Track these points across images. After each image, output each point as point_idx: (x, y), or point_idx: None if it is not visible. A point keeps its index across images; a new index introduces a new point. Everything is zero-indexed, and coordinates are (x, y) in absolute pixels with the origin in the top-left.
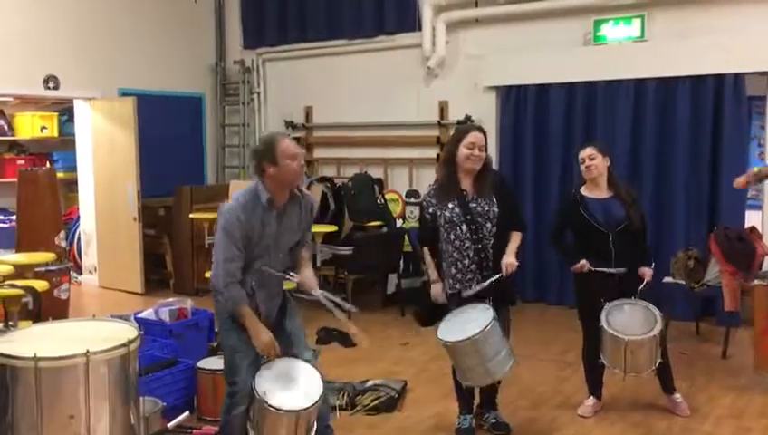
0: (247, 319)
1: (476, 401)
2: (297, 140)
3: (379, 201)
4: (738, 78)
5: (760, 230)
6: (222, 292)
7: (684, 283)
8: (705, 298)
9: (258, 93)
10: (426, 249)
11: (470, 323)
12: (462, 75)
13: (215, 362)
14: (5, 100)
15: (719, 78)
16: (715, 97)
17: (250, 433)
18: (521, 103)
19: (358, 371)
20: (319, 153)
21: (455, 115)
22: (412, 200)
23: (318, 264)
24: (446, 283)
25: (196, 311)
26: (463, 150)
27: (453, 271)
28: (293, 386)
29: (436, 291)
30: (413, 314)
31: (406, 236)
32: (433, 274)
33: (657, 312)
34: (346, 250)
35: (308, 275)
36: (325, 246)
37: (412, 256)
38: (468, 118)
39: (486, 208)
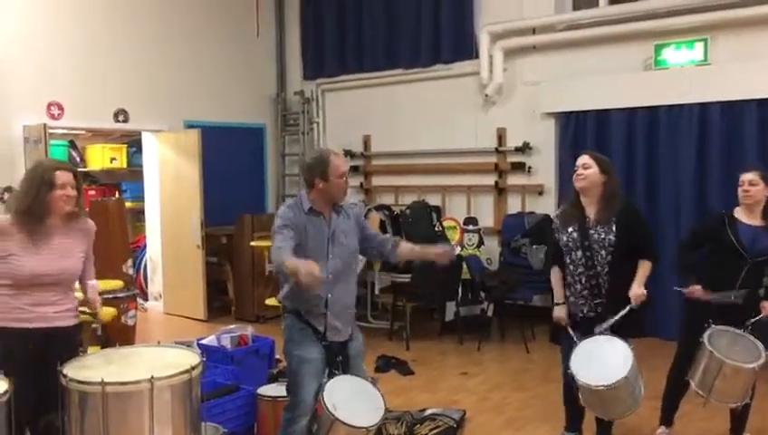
0: (288, 263)
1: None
2: (356, 168)
3: (436, 228)
4: None
5: None
6: (278, 263)
7: None
8: None
9: (317, 123)
10: (554, 269)
11: (603, 355)
12: (520, 102)
13: (275, 390)
14: (78, 132)
15: None
16: None
17: None
18: (580, 129)
19: (416, 399)
20: (377, 181)
21: (513, 142)
22: (470, 227)
23: (376, 291)
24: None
25: (257, 338)
26: (574, 176)
27: (568, 293)
28: (358, 403)
29: (559, 314)
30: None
31: (464, 264)
32: (557, 295)
33: (762, 348)
34: (404, 278)
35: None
36: (384, 274)
37: (470, 284)
38: (526, 145)
39: (603, 236)
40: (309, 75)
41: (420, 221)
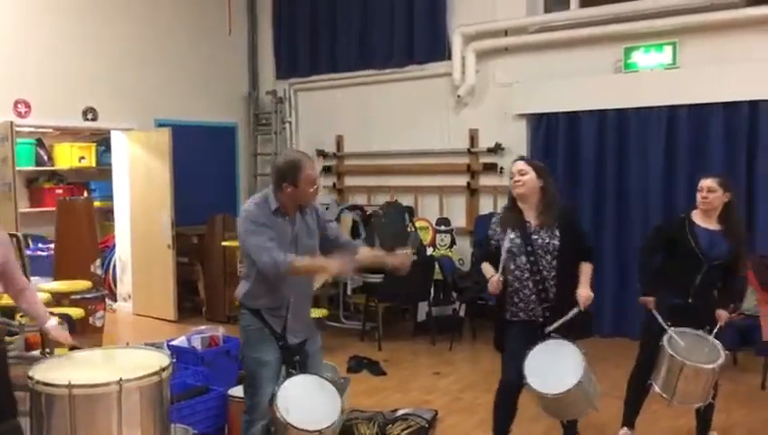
0: (308, 262)
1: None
2: (329, 169)
3: (409, 229)
4: None
5: None
6: (278, 264)
7: (734, 314)
8: (742, 327)
9: (290, 123)
10: (484, 263)
11: (557, 362)
12: (492, 103)
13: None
14: (46, 131)
15: (753, 104)
16: (750, 123)
17: None
18: (551, 131)
19: (388, 400)
20: (350, 182)
21: (485, 143)
22: (442, 228)
23: (349, 292)
24: (509, 310)
25: (228, 338)
26: (510, 182)
27: (515, 299)
28: (315, 404)
29: (494, 283)
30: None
31: (436, 264)
32: (490, 271)
33: (721, 349)
34: (376, 278)
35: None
36: (356, 274)
37: (443, 284)
38: (498, 146)
39: (548, 241)
40: (282, 75)
41: (393, 222)
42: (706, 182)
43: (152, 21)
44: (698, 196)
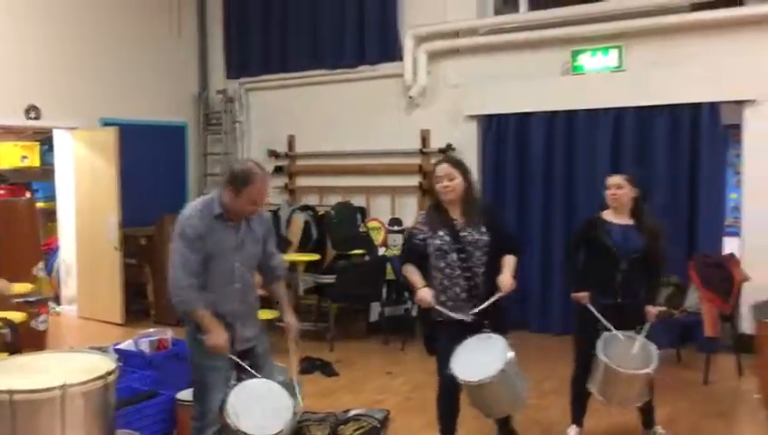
0: (205, 318)
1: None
2: (280, 169)
3: (361, 229)
4: (714, 107)
5: (738, 257)
6: (179, 293)
7: (664, 309)
8: (685, 324)
9: (240, 123)
10: (408, 266)
11: (483, 354)
12: (443, 104)
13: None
14: None
15: (696, 107)
16: (692, 125)
17: None
18: (502, 132)
19: (340, 401)
20: (301, 182)
21: (436, 144)
22: (395, 228)
23: (300, 293)
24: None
25: (177, 341)
26: (436, 185)
27: (443, 298)
28: (266, 408)
29: (424, 294)
30: (424, 343)
31: (389, 264)
32: (419, 282)
33: (654, 350)
34: (328, 279)
35: (291, 320)
36: (308, 275)
37: (395, 284)
38: (450, 146)
39: (476, 237)
40: (232, 74)
41: (345, 222)
42: (614, 179)
43: (99, 18)
44: (607, 193)
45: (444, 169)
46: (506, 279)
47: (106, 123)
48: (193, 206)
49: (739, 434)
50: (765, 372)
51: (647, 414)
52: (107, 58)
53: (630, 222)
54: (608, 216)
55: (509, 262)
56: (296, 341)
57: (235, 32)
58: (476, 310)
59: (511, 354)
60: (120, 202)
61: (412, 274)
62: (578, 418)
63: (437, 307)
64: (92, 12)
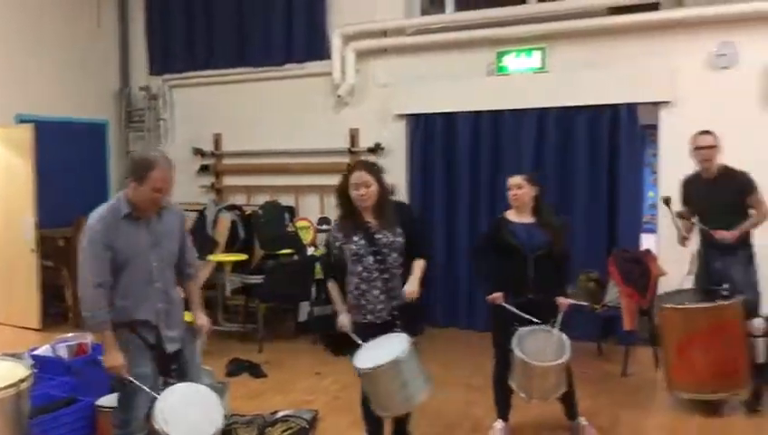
0: (107, 339)
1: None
2: (206, 168)
3: (289, 229)
4: (632, 108)
5: (654, 253)
6: (87, 310)
7: (585, 304)
8: (605, 318)
9: (164, 120)
10: (331, 282)
11: (386, 349)
12: (372, 103)
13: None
14: None
15: (615, 108)
16: (611, 126)
17: None
18: (430, 131)
19: (269, 402)
20: (228, 181)
21: (365, 143)
22: (324, 227)
23: (227, 293)
24: (352, 312)
25: (97, 346)
26: (352, 192)
27: (363, 302)
28: (196, 412)
29: (343, 321)
30: (326, 343)
31: (317, 264)
32: (339, 305)
33: (567, 341)
34: (256, 279)
35: (202, 319)
36: (235, 276)
37: (324, 284)
38: (379, 146)
39: (392, 239)
40: (156, 70)
41: (273, 222)
42: (514, 180)
43: (12, 9)
44: (509, 194)
45: (360, 176)
46: (411, 288)
47: (22, 120)
48: (98, 212)
49: (654, 423)
50: (668, 356)
51: (569, 406)
52: (22, 51)
53: (533, 220)
54: (511, 216)
55: (417, 268)
56: (204, 341)
57: (157, 26)
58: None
59: (404, 348)
60: (37, 202)
61: (334, 294)
62: (503, 413)
63: (352, 334)
64: (4, 2)
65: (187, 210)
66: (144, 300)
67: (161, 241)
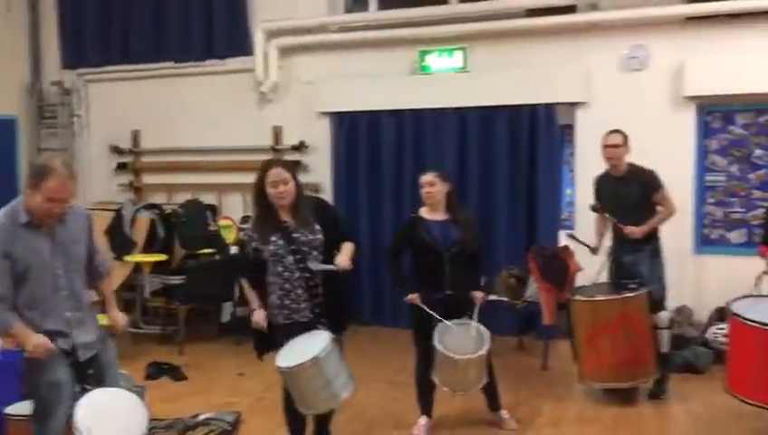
0: (19, 333)
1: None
2: (124, 166)
3: (211, 228)
4: (549, 108)
5: (572, 249)
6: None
7: (506, 299)
8: (526, 314)
9: (79, 117)
10: (243, 280)
11: (307, 347)
12: (296, 101)
13: (28, 408)
14: None
15: (533, 108)
16: (530, 125)
17: None
18: (354, 129)
19: (189, 405)
20: (148, 179)
21: (289, 140)
22: (246, 226)
23: (147, 295)
24: (275, 313)
25: (7, 352)
26: (270, 190)
27: (286, 301)
28: (118, 418)
29: (259, 317)
30: (253, 345)
31: None
32: (254, 302)
33: (486, 333)
34: (177, 279)
35: (117, 317)
36: (155, 276)
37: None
38: (303, 144)
39: (311, 237)
40: (69, 64)
41: (194, 221)
42: (427, 177)
43: None
44: (422, 192)
45: (279, 173)
46: (343, 259)
47: None
48: None
49: (572, 414)
50: (578, 347)
51: (492, 398)
52: None
53: (446, 217)
54: (425, 213)
55: (347, 246)
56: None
57: (70, 18)
58: (316, 267)
59: (324, 346)
60: None
61: (248, 291)
62: (426, 409)
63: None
64: None
65: (103, 210)
66: (52, 309)
67: (67, 248)
